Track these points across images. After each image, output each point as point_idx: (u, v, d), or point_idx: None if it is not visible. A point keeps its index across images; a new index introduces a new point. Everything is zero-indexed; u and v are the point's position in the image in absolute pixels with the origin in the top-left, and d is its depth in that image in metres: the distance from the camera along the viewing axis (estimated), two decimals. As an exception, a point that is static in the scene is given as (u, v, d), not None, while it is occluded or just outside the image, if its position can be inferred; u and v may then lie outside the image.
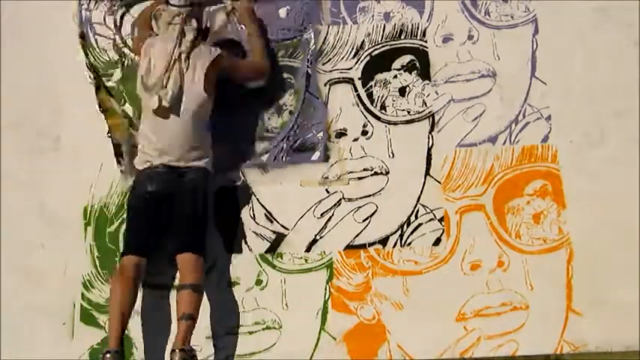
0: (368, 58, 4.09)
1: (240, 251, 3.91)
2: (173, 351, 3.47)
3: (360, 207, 3.93)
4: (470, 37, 4.09)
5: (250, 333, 3.80)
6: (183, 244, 3.67)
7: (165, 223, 3.71)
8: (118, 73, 4.13)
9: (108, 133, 3.99)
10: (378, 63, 4.08)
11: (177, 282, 3.72)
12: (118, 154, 3.97)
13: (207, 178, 3.79)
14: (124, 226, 3.91)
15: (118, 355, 3.45)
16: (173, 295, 3.75)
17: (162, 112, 3.69)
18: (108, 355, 3.44)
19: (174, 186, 3.70)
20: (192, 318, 3.54)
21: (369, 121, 4.02)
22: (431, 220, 3.91)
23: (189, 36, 3.78)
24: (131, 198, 3.78)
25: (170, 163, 3.70)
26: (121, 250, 3.77)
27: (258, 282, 3.86)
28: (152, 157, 3.72)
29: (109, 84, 4.12)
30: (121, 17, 4.20)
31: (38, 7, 4.16)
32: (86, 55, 4.15)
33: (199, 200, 3.73)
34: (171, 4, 3.83)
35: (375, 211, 3.93)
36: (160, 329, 3.75)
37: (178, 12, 3.80)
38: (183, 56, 3.74)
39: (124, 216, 3.93)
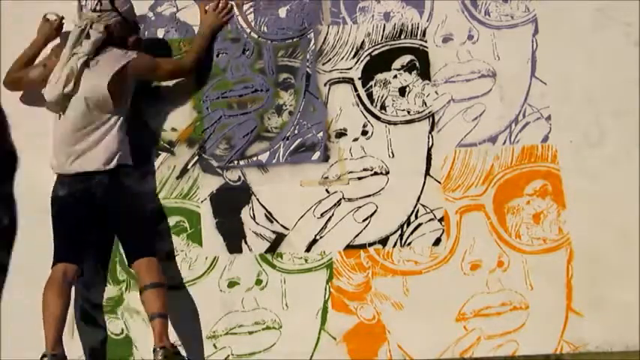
0: (368, 58, 4.09)
1: (240, 251, 3.91)
2: (155, 350, 3.50)
3: (360, 207, 3.93)
4: (470, 37, 4.09)
5: (250, 333, 3.81)
6: (130, 254, 3.70)
7: (92, 227, 3.71)
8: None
9: None
10: (378, 63, 4.08)
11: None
12: None
13: (121, 179, 3.75)
14: (123, 226, 3.94)
15: (55, 358, 3.48)
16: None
17: (52, 106, 3.71)
18: (45, 359, 3.47)
19: (90, 191, 3.68)
20: (162, 315, 3.56)
21: (369, 121, 4.02)
22: (431, 220, 3.91)
23: (93, 37, 3.75)
24: (51, 205, 3.75)
25: (78, 169, 3.68)
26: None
27: (258, 282, 3.86)
28: (61, 161, 3.72)
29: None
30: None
31: (38, 7, 4.15)
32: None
33: (126, 204, 3.74)
34: (83, 12, 3.81)
35: (375, 211, 3.93)
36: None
37: (91, 17, 3.78)
38: (81, 54, 3.72)
39: (124, 216, 3.95)
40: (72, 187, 3.69)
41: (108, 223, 3.75)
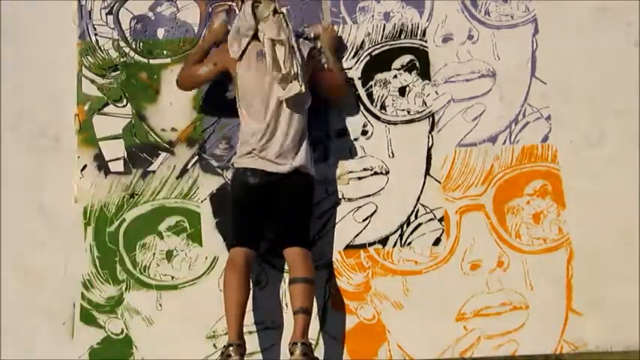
0: (368, 57, 4.09)
1: (240, 251, 3.90)
2: (294, 344, 3.45)
3: (360, 207, 3.93)
4: (470, 37, 4.09)
5: (250, 333, 3.80)
6: (291, 239, 3.65)
7: (269, 216, 3.67)
8: (119, 73, 4.13)
9: None
10: (378, 63, 4.08)
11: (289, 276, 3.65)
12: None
13: (311, 178, 3.74)
14: (124, 226, 3.93)
15: (240, 348, 3.42)
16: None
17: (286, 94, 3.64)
18: (231, 349, 3.40)
19: (277, 182, 3.63)
20: (306, 311, 3.50)
21: (368, 121, 4.02)
22: (431, 220, 3.91)
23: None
24: (233, 191, 3.73)
25: (269, 168, 3.62)
26: (228, 242, 3.76)
27: (258, 282, 3.86)
28: (253, 155, 3.65)
29: (110, 84, 4.13)
30: (118, 13, 4.19)
31: (38, 7, 4.16)
32: (85, 54, 4.16)
33: (305, 198, 3.71)
34: None
35: (375, 211, 3.92)
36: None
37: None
38: (292, 41, 3.68)
39: (124, 216, 3.94)
40: (262, 178, 3.63)
41: (276, 208, 3.68)
